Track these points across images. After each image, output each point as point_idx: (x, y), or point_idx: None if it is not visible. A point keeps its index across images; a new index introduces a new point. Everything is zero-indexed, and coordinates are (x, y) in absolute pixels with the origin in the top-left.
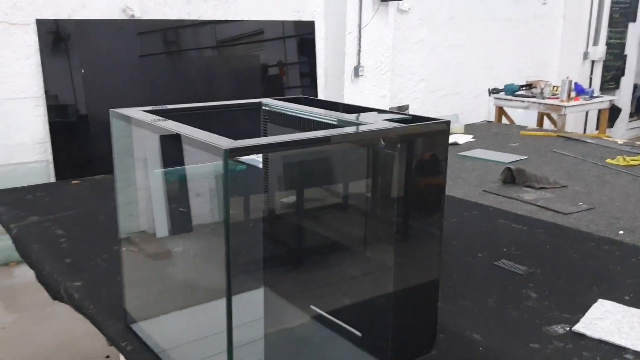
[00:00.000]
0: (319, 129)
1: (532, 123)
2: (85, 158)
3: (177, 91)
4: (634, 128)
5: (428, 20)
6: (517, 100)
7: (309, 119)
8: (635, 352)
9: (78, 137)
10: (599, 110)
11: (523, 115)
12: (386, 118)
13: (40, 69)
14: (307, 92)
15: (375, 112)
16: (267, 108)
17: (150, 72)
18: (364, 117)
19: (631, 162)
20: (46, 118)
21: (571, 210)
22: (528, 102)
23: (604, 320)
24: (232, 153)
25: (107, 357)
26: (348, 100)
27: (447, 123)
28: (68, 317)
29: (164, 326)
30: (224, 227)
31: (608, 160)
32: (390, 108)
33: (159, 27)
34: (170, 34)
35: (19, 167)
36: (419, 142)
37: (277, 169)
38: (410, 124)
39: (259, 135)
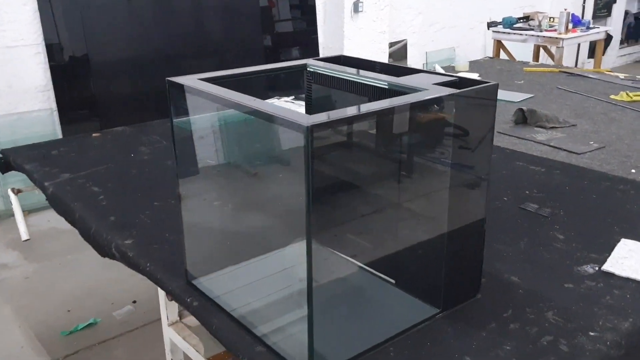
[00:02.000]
0: (368, 92)
1: (528, 56)
2: (89, 104)
3: (166, 29)
4: (624, 55)
5: None
6: (515, 34)
7: (358, 82)
8: None
9: (80, 83)
10: (591, 41)
11: (519, 48)
12: (437, 82)
13: (37, 14)
14: (299, 24)
15: (422, 74)
16: (311, 69)
17: (140, 13)
18: (412, 80)
19: (635, 98)
20: (47, 65)
21: (583, 150)
22: (526, 35)
23: (629, 259)
24: (314, 130)
25: (134, 302)
26: (348, 36)
27: (496, 86)
28: (90, 265)
29: (226, 281)
30: (306, 207)
31: (612, 97)
32: (389, 43)
33: None
34: None
35: (23, 116)
36: (471, 104)
37: None
38: (465, 89)
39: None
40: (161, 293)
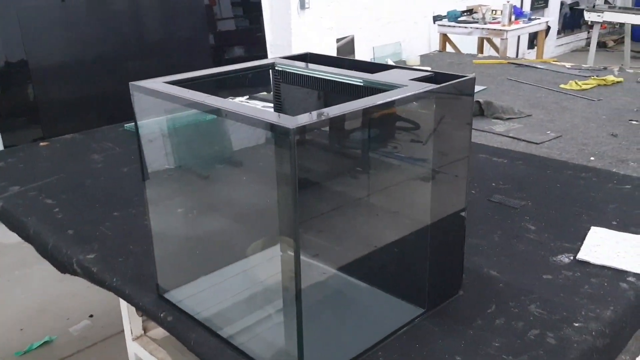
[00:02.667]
0: (343, 90)
1: (473, 48)
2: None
3: (106, 30)
4: (562, 45)
5: None
6: (460, 27)
7: (331, 80)
8: (635, 274)
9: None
10: (531, 32)
11: (464, 41)
12: (413, 77)
13: None
14: (242, 23)
15: (396, 70)
16: (280, 69)
17: (76, 14)
18: (387, 76)
19: (583, 87)
20: None
21: (542, 140)
22: (471, 27)
23: (601, 246)
24: (299, 132)
25: (91, 316)
26: (296, 33)
27: (473, 79)
28: (41, 280)
29: (201, 292)
30: (293, 211)
31: (562, 86)
32: (336, 39)
33: None
34: None
35: None
36: (449, 99)
37: None
38: (444, 84)
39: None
40: (124, 306)
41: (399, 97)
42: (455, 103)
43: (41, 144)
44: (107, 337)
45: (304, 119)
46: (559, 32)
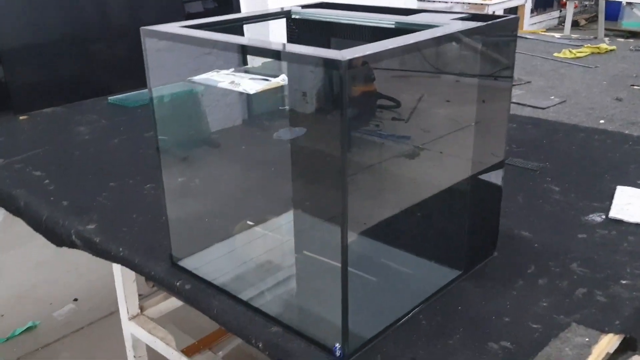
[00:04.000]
0: (375, 36)
1: None
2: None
3: (71, 11)
4: (535, 24)
5: None
6: (440, 1)
7: (360, 25)
8: None
9: None
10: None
11: None
12: (453, 18)
13: None
14: (211, 4)
15: (424, 13)
16: (297, 17)
17: None
18: (420, 18)
19: (578, 55)
20: None
21: (547, 105)
22: (452, 2)
23: (632, 205)
24: (351, 66)
25: (75, 300)
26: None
27: (517, 19)
28: (18, 266)
29: (221, 258)
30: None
31: (556, 54)
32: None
33: None
34: None
35: None
36: (495, 37)
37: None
38: (491, 21)
39: None
40: (119, 283)
41: (452, 31)
42: (501, 43)
43: (20, 117)
44: (94, 321)
45: (354, 52)
46: (532, 11)
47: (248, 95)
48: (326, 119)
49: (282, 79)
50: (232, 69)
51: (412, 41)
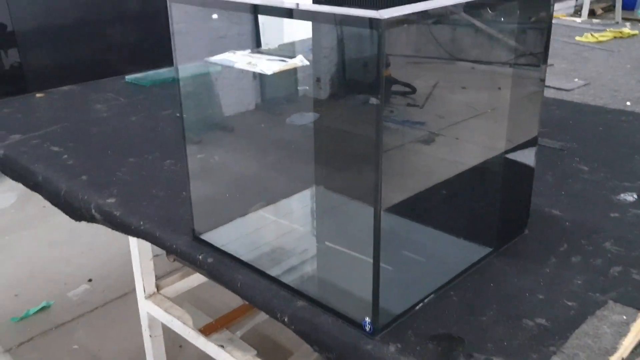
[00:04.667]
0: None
1: None
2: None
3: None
4: None
5: None
6: None
7: None
8: None
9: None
10: None
11: None
12: None
13: None
14: None
15: None
16: None
17: None
18: None
19: (600, 39)
20: None
21: (571, 87)
22: None
23: None
24: (390, 25)
25: (90, 280)
26: None
27: None
28: (32, 246)
29: (244, 232)
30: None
31: (577, 38)
32: None
33: None
34: None
35: None
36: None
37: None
38: None
39: None
40: (135, 261)
41: None
42: (536, 7)
43: (37, 95)
44: (108, 302)
45: (393, 12)
46: None
47: (261, 78)
48: (359, 86)
49: (299, 60)
50: (249, 50)
51: (452, 2)
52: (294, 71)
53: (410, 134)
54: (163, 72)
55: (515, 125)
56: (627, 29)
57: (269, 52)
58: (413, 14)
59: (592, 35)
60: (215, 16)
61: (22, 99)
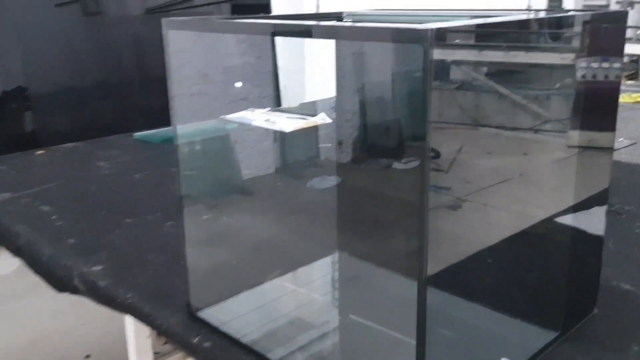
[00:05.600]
0: None
1: None
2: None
3: (105, 58)
4: None
5: None
6: None
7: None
8: None
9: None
10: None
11: None
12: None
13: None
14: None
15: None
16: (350, 20)
17: (70, 41)
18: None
19: (638, 99)
20: None
21: (617, 147)
22: None
23: None
24: (439, 37)
25: (87, 356)
26: (310, 58)
27: (626, 12)
28: (29, 315)
29: (251, 311)
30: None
31: None
32: None
33: None
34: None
35: None
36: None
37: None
38: (597, 11)
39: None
40: (130, 335)
41: (558, 15)
42: (609, 39)
43: (37, 152)
44: None
45: (442, 24)
46: None
47: (282, 140)
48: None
49: (321, 118)
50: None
51: (508, 19)
52: (315, 130)
53: (443, 198)
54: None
55: (585, 181)
56: None
57: (289, 110)
58: (465, 26)
59: (629, 96)
60: (239, 84)
61: (19, 156)
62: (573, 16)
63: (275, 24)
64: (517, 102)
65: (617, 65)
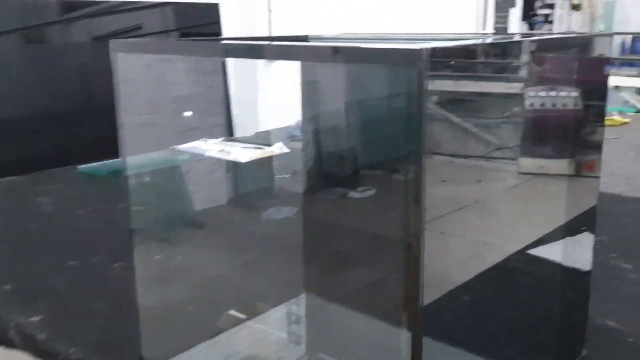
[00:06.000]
0: None
1: None
2: None
3: (44, 88)
4: None
5: None
6: None
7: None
8: None
9: None
10: None
11: None
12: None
13: None
14: (198, 87)
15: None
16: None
17: (10, 70)
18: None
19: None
20: None
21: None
22: None
23: None
24: (434, 57)
25: None
26: (263, 87)
27: (611, 37)
28: None
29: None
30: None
31: None
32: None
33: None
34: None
35: None
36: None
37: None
38: (583, 34)
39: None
40: None
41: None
42: (592, 63)
43: None
44: None
45: (435, 44)
46: None
47: (235, 170)
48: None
49: (278, 148)
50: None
51: (503, 40)
52: (269, 160)
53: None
54: (121, 162)
55: (572, 209)
56: (618, 117)
57: (244, 140)
58: (459, 47)
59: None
60: (188, 113)
61: None
62: (520, 42)
63: (247, 44)
64: (469, 130)
65: (566, 93)
